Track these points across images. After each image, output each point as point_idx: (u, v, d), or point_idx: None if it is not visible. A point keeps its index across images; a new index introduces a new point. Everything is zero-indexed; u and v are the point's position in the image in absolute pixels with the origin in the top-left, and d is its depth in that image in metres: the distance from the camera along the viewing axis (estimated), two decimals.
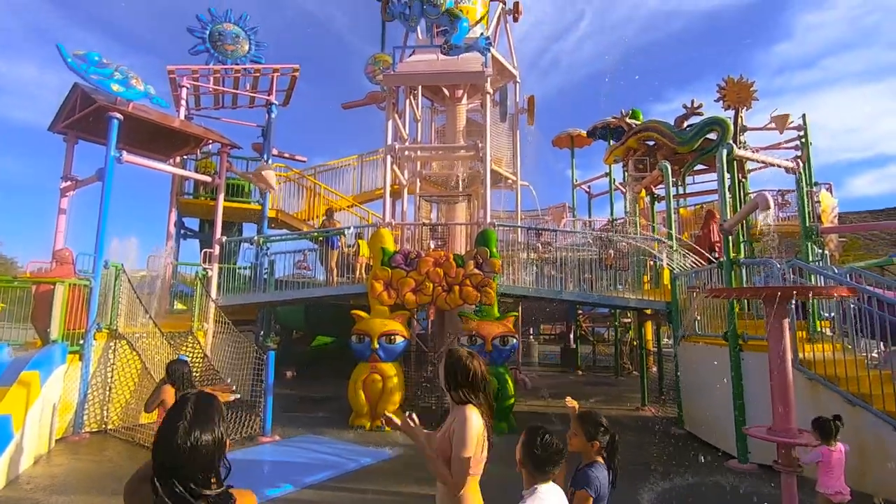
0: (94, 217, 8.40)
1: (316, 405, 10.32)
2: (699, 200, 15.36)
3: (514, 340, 8.71)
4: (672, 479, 6.01)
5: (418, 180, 13.09)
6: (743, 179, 12.76)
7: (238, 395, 4.29)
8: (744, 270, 7.65)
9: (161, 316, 9.57)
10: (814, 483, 4.35)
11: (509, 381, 8.45)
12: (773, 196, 13.28)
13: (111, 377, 8.10)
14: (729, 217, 7.31)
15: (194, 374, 6.76)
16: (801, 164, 8.98)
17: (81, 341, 7.79)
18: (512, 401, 8.49)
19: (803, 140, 12.24)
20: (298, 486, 5.55)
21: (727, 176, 7.93)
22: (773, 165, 9.08)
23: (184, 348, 8.50)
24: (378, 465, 6.41)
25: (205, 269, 10.58)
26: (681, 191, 14.33)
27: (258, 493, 4.87)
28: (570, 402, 2.90)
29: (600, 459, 2.52)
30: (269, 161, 12.30)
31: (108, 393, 8.04)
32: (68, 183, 9.76)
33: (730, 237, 7.45)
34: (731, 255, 7.36)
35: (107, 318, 8.30)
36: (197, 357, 8.45)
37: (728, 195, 8.02)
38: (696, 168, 12.31)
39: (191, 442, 1.36)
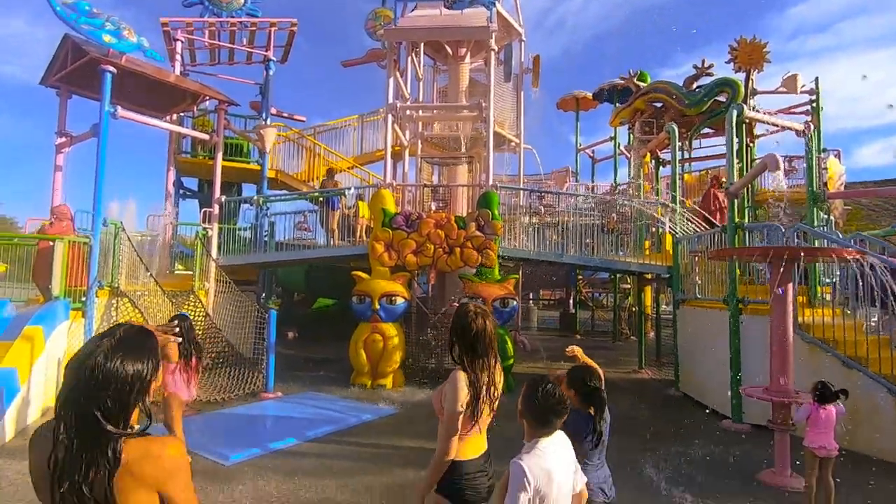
0: (92, 174, 8.30)
1: (317, 365, 10.48)
2: (704, 166, 15.15)
3: (515, 302, 8.75)
4: (666, 437, 6.14)
5: (420, 141, 12.86)
6: (751, 144, 12.51)
7: (179, 340, 4.27)
8: (747, 235, 7.59)
9: (162, 276, 9.59)
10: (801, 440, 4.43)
11: (509, 343, 8.54)
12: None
13: None
14: (735, 181, 7.19)
15: (197, 332, 6.82)
16: (811, 128, 8.76)
17: (83, 298, 7.81)
18: (511, 362, 8.60)
19: (814, 105, 11.94)
20: (301, 440, 5.68)
21: (735, 139, 7.75)
22: (783, 128, 8.87)
23: (186, 307, 8.54)
24: (378, 421, 6.54)
25: (205, 228, 10.51)
26: (686, 155, 14.10)
27: (261, 446, 4.98)
28: (572, 350, 2.89)
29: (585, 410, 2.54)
30: (268, 120, 12.04)
31: None
32: (63, 139, 9.58)
33: (735, 202, 7.36)
34: (736, 219, 7.29)
35: (108, 276, 8.31)
36: (199, 316, 8.51)
37: (735, 159, 7.87)
38: (702, 132, 12.07)
39: (108, 367, 1.18)
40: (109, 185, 8.36)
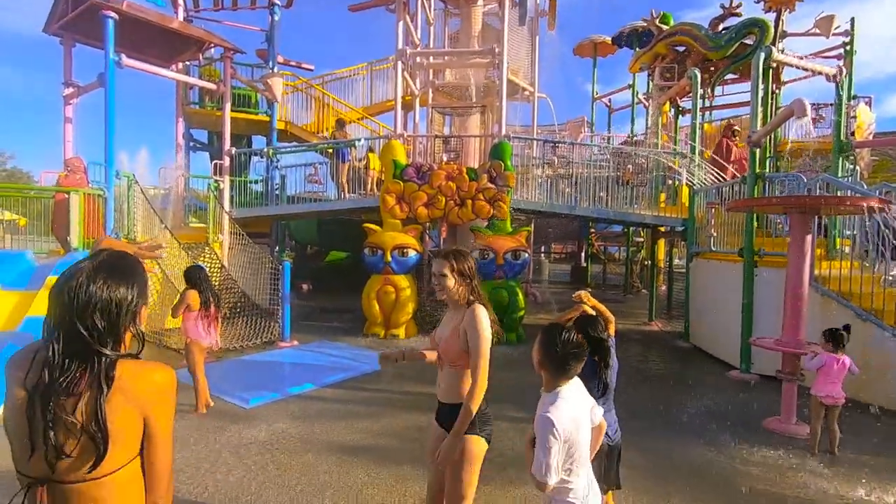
0: (102, 127, 8.25)
1: (331, 315, 10.71)
2: (726, 115, 14.57)
3: (526, 255, 8.73)
4: (673, 386, 6.25)
5: (431, 91, 12.49)
6: (776, 91, 11.96)
7: (163, 256, 4.24)
8: (767, 186, 7.37)
9: (177, 228, 9.70)
10: (809, 390, 4.48)
11: (520, 295, 8.60)
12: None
13: None
14: (759, 129, 6.91)
15: (213, 283, 6.96)
16: (843, 72, 8.29)
17: None
18: (522, 313, 8.70)
19: (848, 48, 11.26)
20: (318, 385, 5.88)
21: (761, 85, 7.38)
22: (813, 72, 8.41)
23: (201, 258, 8.69)
24: (392, 369, 6.72)
25: (216, 181, 10.52)
26: (708, 104, 13.54)
27: (279, 391, 5.14)
28: (579, 294, 2.91)
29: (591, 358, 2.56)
30: (275, 69, 11.74)
31: None
32: (70, 90, 9.47)
33: (756, 151, 7.10)
34: (756, 169, 7.06)
35: (124, 229, 8.43)
36: (214, 267, 8.66)
37: (759, 106, 7.53)
38: (725, 78, 11.52)
39: (91, 288, 1.18)
40: (119, 137, 8.32)
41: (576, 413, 1.92)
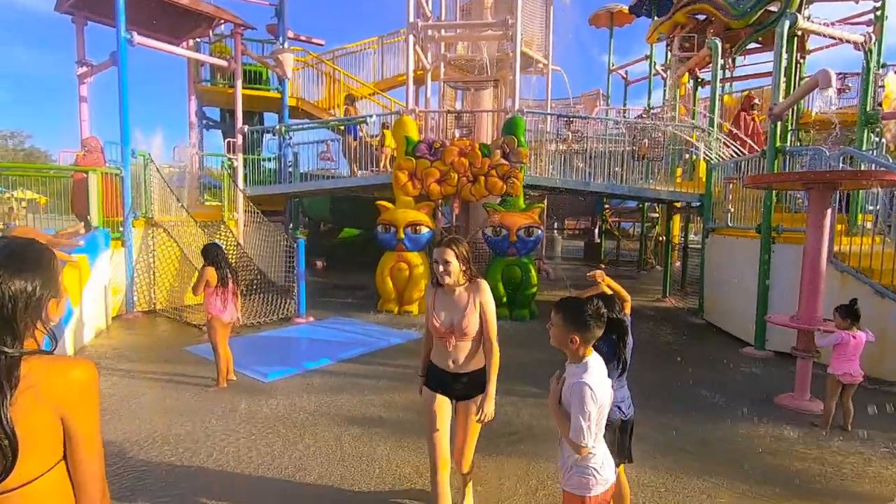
0: (116, 105, 8.29)
1: (346, 292, 10.85)
2: (748, 86, 14.13)
3: (539, 231, 8.69)
4: (686, 362, 6.26)
5: (443, 65, 12.27)
6: (801, 61, 11.54)
7: (82, 243, 4.28)
8: (788, 160, 7.19)
9: (193, 206, 9.83)
10: (825, 367, 4.47)
11: (532, 271, 8.61)
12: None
13: (153, 262, 8.56)
14: (781, 100, 6.70)
15: (230, 261, 7.08)
16: (872, 39, 7.94)
17: (121, 228, 8.13)
18: (534, 290, 8.72)
19: (878, 13, 10.75)
20: (334, 360, 6.02)
21: (785, 54, 7.12)
22: (840, 40, 8.06)
23: (217, 236, 8.82)
24: (406, 344, 6.83)
25: (230, 159, 10.58)
26: (728, 75, 13.11)
27: (297, 365, 5.27)
28: (594, 274, 2.90)
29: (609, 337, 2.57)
30: (285, 44, 11.62)
31: (152, 276, 8.56)
32: (84, 69, 9.51)
33: (778, 124, 6.90)
34: (777, 143, 6.88)
35: (142, 207, 8.57)
36: (230, 245, 8.79)
37: (783, 77, 7.28)
38: (747, 47, 11.12)
39: None
40: (134, 115, 8.36)
41: (603, 378, 2.04)
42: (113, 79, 8.15)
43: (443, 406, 2.59)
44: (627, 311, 2.80)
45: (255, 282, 8.53)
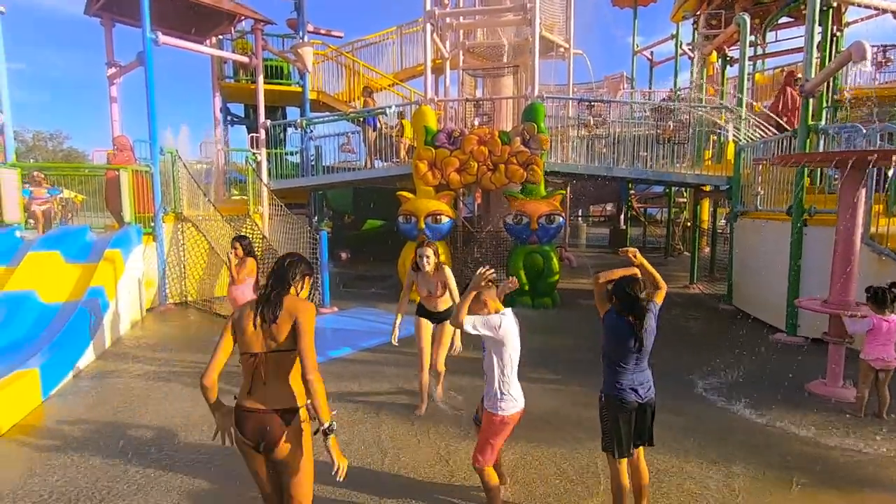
0: (144, 105, 8.54)
1: (369, 283, 10.98)
2: (779, 62, 13.55)
3: (561, 219, 8.60)
4: (714, 348, 6.13)
5: (461, 52, 12.18)
6: (837, 34, 10.96)
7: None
8: (822, 140, 6.88)
9: (220, 201, 10.08)
10: (858, 353, 4.31)
11: (554, 259, 8.54)
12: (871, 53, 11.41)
13: (183, 256, 8.85)
14: (813, 76, 6.41)
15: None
16: None
17: (152, 224, 8.42)
18: (556, 277, 8.65)
19: None
20: (356, 349, 6.13)
21: (818, 27, 6.79)
22: (880, 10, 7.62)
23: (244, 230, 9.03)
24: None
25: (254, 153, 10.78)
26: (759, 52, 12.61)
27: (321, 353, 5.38)
28: (625, 250, 2.93)
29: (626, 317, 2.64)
30: (305, 38, 11.71)
31: (183, 269, 8.85)
32: (113, 69, 9.82)
33: (810, 100, 6.61)
34: (809, 121, 6.59)
35: (171, 203, 8.84)
36: (256, 238, 8.98)
37: (816, 52, 6.95)
38: (779, 22, 10.65)
39: (285, 265, 2.29)
40: (161, 114, 8.61)
41: (506, 324, 2.72)
42: (141, 79, 8.39)
43: (427, 327, 4.38)
44: (659, 299, 2.79)
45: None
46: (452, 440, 3.80)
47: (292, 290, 2.22)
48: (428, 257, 4.10)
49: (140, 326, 7.42)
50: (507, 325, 2.68)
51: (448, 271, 4.19)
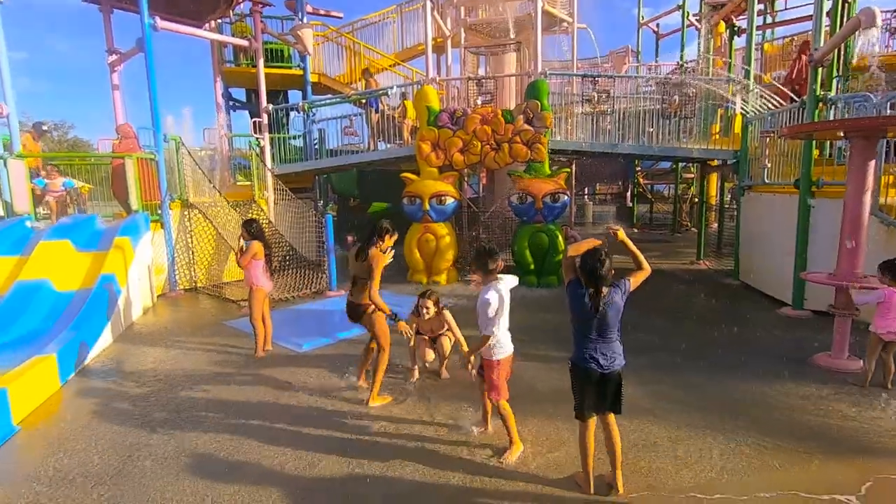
0: (146, 91, 8.53)
1: None
2: (789, 31, 13.21)
3: (566, 197, 8.56)
4: (720, 323, 6.14)
5: (463, 30, 11.99)
6: (850, 0, 10.66)
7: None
8: (832, 110, 6.75)
9: (226, 187, 10.12)
10: (865, 326, 4.31)
11: (559, 238, 8.53)
12: (884, 19, 11.08)
13: (191, 242, 8.93)
14: (822, 45, 6.26)
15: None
16: None
17: (159, 211, 8.49)
18: (562, 256, 8.64)
19: None
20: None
21: None
22: None
23: (250, 215, 9.07)
24: None
25: (257, 138, 10.77)
26: (768, 20, 12.29)
27: (330, 336, 5.51)
28: (614, 229, 2.90)
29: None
30: (304, 19, 11.57)
31: (191, 256, 8.94)
32: (114, 57, 9.79)
33: (819, 70, 6.47)
34: (818, 91, 6.46)
35: (177, 190, 8.89)
36: (263, 222, 9.03)
37: (825, 19, 6.77)
38: None
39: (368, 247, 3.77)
40: (163, 100, 8.59)
41: (498, 290, 3.24)
42: (142, 65, 8.35)
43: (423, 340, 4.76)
44: (635, 278, 2.80)
45: (287, 257, 8.80)
46: (463, 401, 3.88)
47: (379, 243, 3.92)
48: (427, 308, 4.46)
49: (152, 312, 7.55)
50: (500, 296, 3.19)
51: (448, 315, 4.49)
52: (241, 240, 5.48)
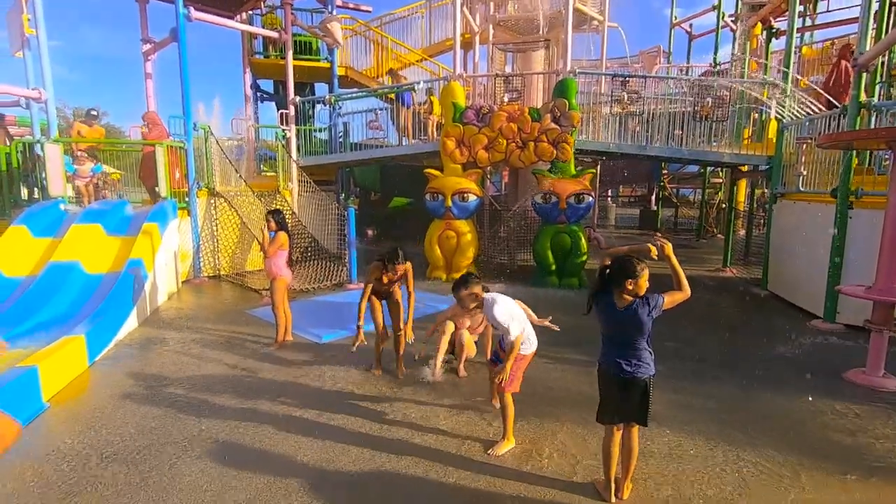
0: (178, 81, 8.67)
1: None
2: (828, 35, 12.76)
3: (590, 198, 8.43)
4: (748, 334, 5.98)
5: (491, 27, 11.89)
6: (895, 3, 10.24)
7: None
8: (874, 117, 6.49)
9: (251, 177, 10.25)
10: None
11: (582, 239, 8.41)
12: None
13: (216, 230, 9.07)
14: (868, 49, 6.01)
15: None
16: None
17: (186, 199, 8.64)
18: (584, 258, 8.53)
19: None
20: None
21: None
22: None
23: (274, 205, 9.17)
24: None
25: (283, 130, 10.88)
26: (807, 23, 11.90)
27: (349, 328, 5.53)
28: (665, 245, 2.68)
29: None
30: (334, 12, 11.62)
31: (216, 244, 9.09)
32: (148, 46, 9.99)
33: (863, 75, 6.21)
34: (861, 97, 6.21)
35: (204, 178, 9.03)
36: (286, 213, 9.13)
37: (872, 22, 6.49)
38: None
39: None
40: (194, 90, 8.71)
41: (504, 302, 3.41)
42: (174, 55, 8.49)
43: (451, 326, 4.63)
44: (670, 298, 2.64)
45: (309, 249, 8.87)
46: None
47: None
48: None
49: (177, 298, 7.70)
50: (510, 308, 3.36)
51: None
52: (265, 230, 5.54)
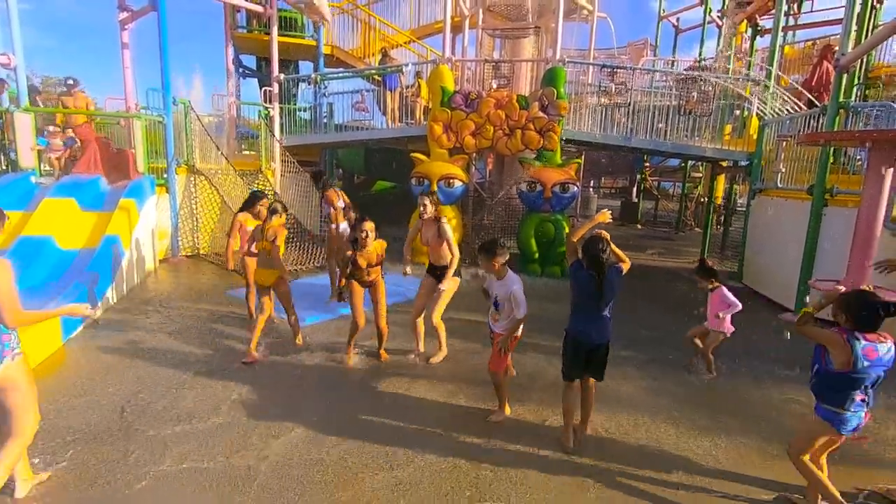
0: (156, 52, 8.35)
1: None
2: (812, 35, 13.00)
3: (575, 188, 8.50)
4: None
5: (481, 11, 11.77)
6: (877, 6, 10.47)
7: None
8: (850, 117, 6.68)
9: (232, 156, 10.01)
10: None
11: (566, 228, 8.50)
12: None
13: (196, 209, 8.87)
14: (850, 50, 6.15)
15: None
16: None
17: (165, 175, 8.40)
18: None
19: None
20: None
21: None
22: None
23: (256, 185, 9.01)
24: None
25: (266, 108, 10.63)
26: (791, 23, 12.08)
27: (332, 311, 5.49)
28: (605, 214, 3.49)
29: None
30: None
31: (195, 222, 8.89)
32: (125, 14, 9.58)
33: (843, 76, 6.36)
34: (841, 97, 6.37)
35: (183, 154, 8.79)
36: (268, 193, 8.96)
37: (854, 24, 6.63)
38: None
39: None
40: (173, 63, 8.42)
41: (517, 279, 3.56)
42: (153, 25, 8.17)
43: (429, 283, 4.69)
44: (625, 266, 3.23)
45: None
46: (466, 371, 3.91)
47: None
48: (425, 206, 4.50)
49: (154, 276, 7.53)
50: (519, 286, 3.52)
51: (445, 225, 4.47)
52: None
